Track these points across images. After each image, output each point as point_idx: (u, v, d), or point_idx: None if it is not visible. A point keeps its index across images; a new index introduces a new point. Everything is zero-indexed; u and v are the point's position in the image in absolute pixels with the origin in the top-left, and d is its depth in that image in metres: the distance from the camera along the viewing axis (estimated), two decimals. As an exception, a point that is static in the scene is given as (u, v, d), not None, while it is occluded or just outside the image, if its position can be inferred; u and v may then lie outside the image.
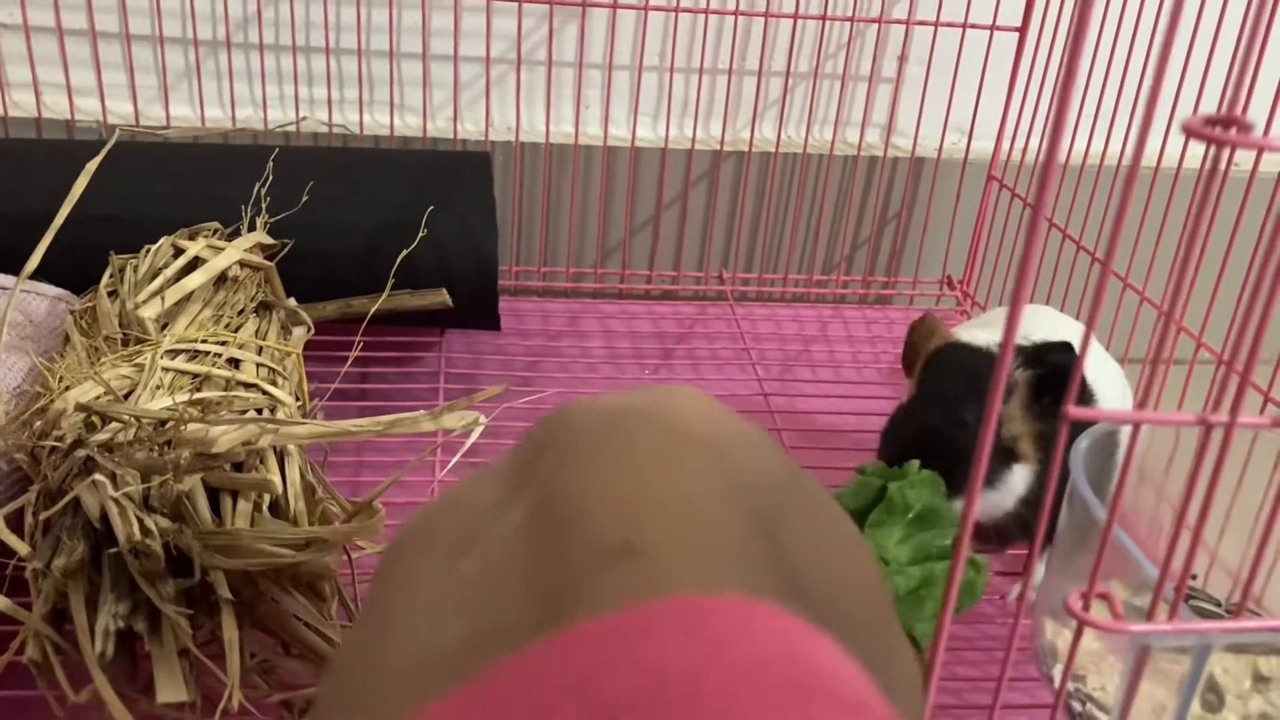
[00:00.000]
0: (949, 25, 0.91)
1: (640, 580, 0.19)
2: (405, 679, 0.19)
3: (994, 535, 0.63)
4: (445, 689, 0.18)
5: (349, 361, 0.67)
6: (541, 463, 0.22)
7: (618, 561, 0.19)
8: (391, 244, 0.75)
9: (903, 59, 0.95)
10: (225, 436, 0.48)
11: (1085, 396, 0.62)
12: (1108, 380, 0.65)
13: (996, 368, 0.28)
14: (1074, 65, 0.28)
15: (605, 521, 0.20)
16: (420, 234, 0.73)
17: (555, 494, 0.21)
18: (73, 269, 0.69)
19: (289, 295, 0.71)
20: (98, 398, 0.51)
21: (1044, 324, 0.67)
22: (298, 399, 0.62)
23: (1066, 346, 0.59)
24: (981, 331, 0.64)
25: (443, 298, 0.73)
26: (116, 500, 0.46)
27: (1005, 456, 0.58)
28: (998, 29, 0.91)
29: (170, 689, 0.46)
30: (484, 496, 0.23)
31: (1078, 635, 0.37)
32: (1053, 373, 0.58)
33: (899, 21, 0.92)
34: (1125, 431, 0.55)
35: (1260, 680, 0.49)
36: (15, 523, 0.51)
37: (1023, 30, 0.91)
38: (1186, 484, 0.34)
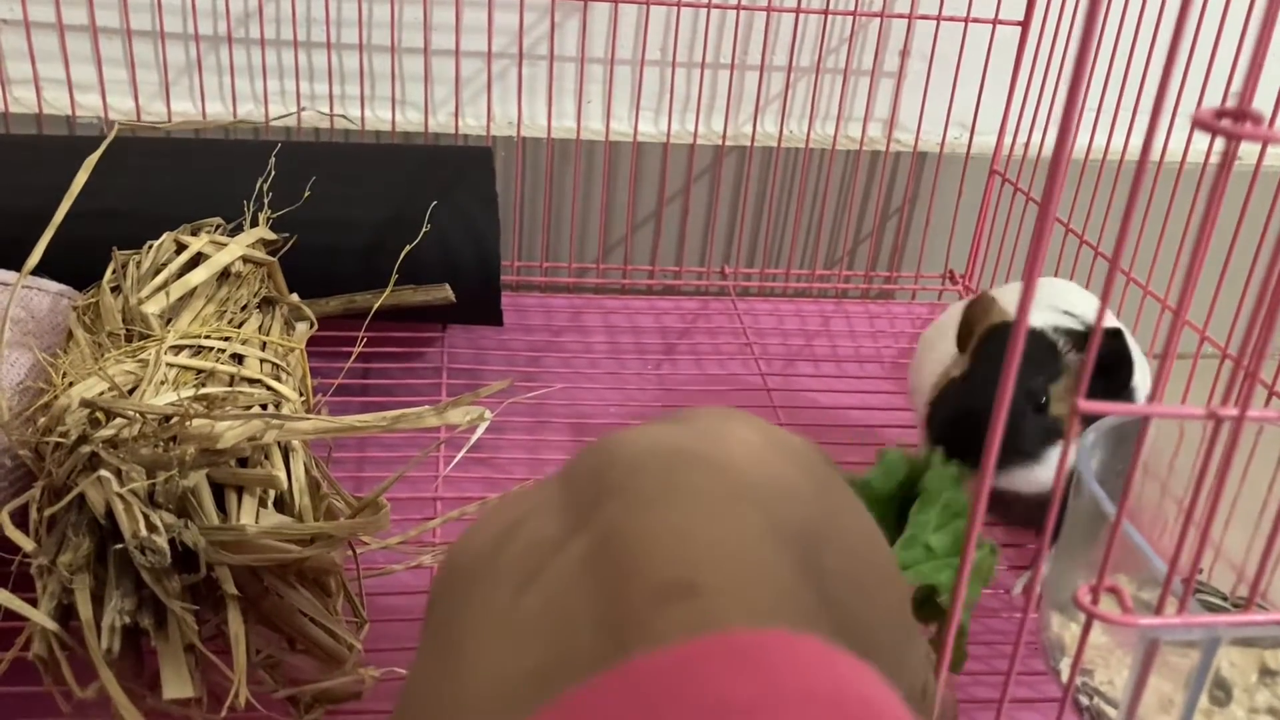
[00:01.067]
0: (951, 19, 0.91)
1: (697, 617, 0.20)
2: (476, 711, 0.21)
3: (1036, 511, 0.63)
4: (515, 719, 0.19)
5: (353, 357, 0.67)
6: (602, 506, 0.23)
7: (676, 600, 0.20)
8: (394, 239, 0.75)
9: (905, 53, 0.95)
10: (230, 432, 0.48)
11: (1129, 390, 0.62)
12: (1142, 373, 0.65)
13: (1011, 343, 0.28)
14: (1083, 58, 0.28)
15: (664, 563, 0.21)
16: (424, 229, 0.73)
17: (616, 536, 0.22)
18: (75, 264, 0.69)
19: (292, 290, 0.71)
20: (102, 393, 0.51)
21: (1076, 298, 0.67)
22: (301, 394, 0.62)
23: (1117, 333, 0.59)
24: (1033, 312, 0.63)
25: (446, 293, 0.73)
26: (122, 496, 0.46)
27: (1051, 434, 0.58)
28: (1000, 23, 0.90)
29: (176, 685, 0.46)
30: (543, 531, 0.24)
31: (1086, 628, 0.37)
32: (1104, 357, 0.58)
33: (901, 16, 0.92)
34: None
35: (1267, 674, 0.49)
36: (20, 519, 0.51)
37: (1025, 24, 0.90)
38: (1194, 478, 0.34)
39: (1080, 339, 0.60)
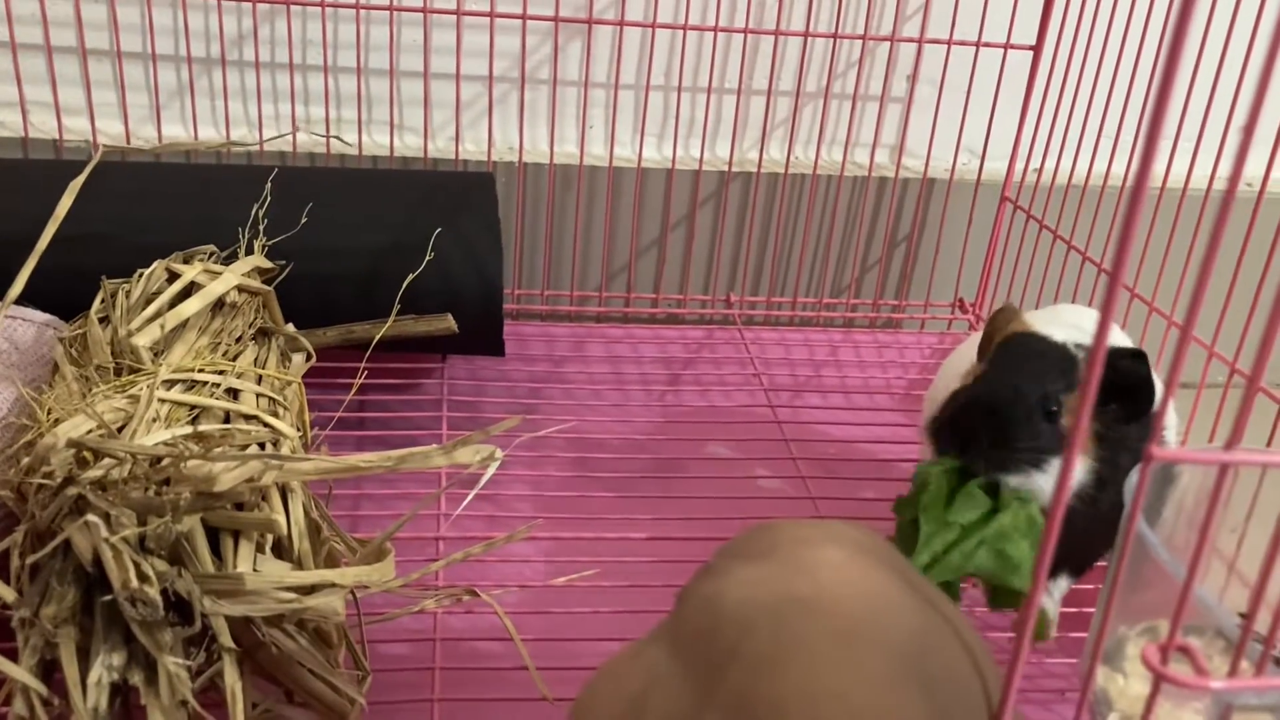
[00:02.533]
0: (962, 44, 0.89)
1: None
2: None
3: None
4: None
5: (352, 391, 0.64)
6: (725, 674, 0.25)
7: None
8: (393, 267, 0.72)
9: (914, 78, 0.93)
10: (227, 475, 0.45)
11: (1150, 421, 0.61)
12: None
13: (1088, 371, 0.26)
14: (1169, 80, 0.26)
15: None
16: (427, 257, 0.71)
17: (747, 707, 0.24)
18: (62, 294, 0.66)
19: (287, 320, 0.68)
20: (90, 432, 0.48)
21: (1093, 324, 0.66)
22: (299, 429, 0.59)
23: (1140, 355, 0.58)
24: (1056, 329, 0.63)
25: (448, 324, 0.70)
26: (111, 543, 0.43)
27: (1057, 444, 0.57)
28: (1012, 47, 0.89)
29: (168, 746, 0.42)
30: (675, 705, 0.25)
31: (1155, 691, 0.34)
32: (1122, 378, 0.57)
33: (911, 40, 0.90)
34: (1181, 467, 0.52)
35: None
36: (0, 565, 0.48)
37: (1037, 49, 0.89)
38: (1273, 538, 0.32)
39: (1119, 365, 0.58)
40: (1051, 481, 0.57)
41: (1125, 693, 0.47)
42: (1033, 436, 0.57)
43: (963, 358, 0.69)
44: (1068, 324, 0.65)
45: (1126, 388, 0.57)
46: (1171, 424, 0.67)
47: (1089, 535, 0.60)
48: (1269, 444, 0.63)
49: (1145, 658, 0.33)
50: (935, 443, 0.59)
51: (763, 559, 0.26)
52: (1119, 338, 0.64)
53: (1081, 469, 0.58)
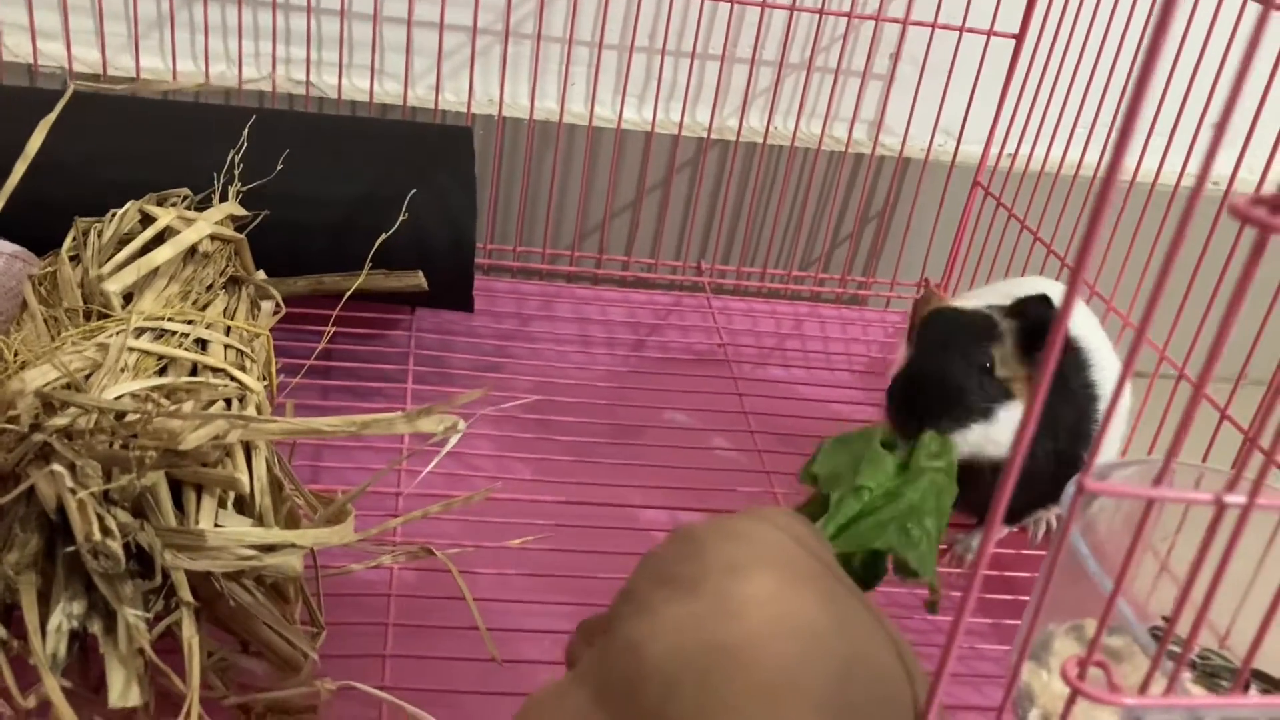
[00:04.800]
0: (946, 27, 0.90)
1: None
2: None
3: (989, 478, 0.64)
4: None
5: (322, 342, 0.65)
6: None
7: None
8: (367, 218, 0.73)
9: (896, 57, 0.94)
10: (193, 433, 0.46)
11: (1079, 360, 0.66)
12: (1108, 368, 0.68)
13: (1046, 351, 0.28)
14: (1147, 72, 0.27)
15: None
16: (401, 217, 0.71)
17: None
18: (32, 225, 0.66)
19: (258, 266, 0.69)
20: (55, 380, 0.49)
21: (1031, 289, 0.69)
22: (264, 379, 0.60)
23: (1044, 299, 0.62)
24: (973, 300, 0.67)
25: (419, 280, 0.71)
26: (75, 493, 0.44)
27: (1001, 393, 0.61)
28: (995, 34, 0.89)
29: (124, 693, 0.44)
30: None
31: (1070, 703, 0.36)
32: (1034, 323, 0.62)
33: (895, 20, 0.90)
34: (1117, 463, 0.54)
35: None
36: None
37: (1020, 37, 0.89)
38: (1194, 561, 0.33)
39: (1016, 309, 0.63)
40: (1005, 431, 0.61)
41: (1048, 688, 0.49)
42: (978, 394, 0.61)
43: None
44: (993, 295, 0.69)
45: (1035, 330, 0.62)
46: (1124, 409, 0.69)
47: (1024, 482, 0.63)
48: (1205, 456, 0.65)
49: (1064, 671, 0.35)
50: (893, 425, 0.61)
51: (690, 594, 0.26)
52: (1039, 286, 0.67)
53: (1019, 413, 0.61)
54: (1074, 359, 0.66)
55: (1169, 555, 0.61)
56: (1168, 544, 0.59)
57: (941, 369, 0.61)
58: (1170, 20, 0.26)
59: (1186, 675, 0.54)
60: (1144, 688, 0.35)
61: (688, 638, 0.25)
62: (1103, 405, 0.65)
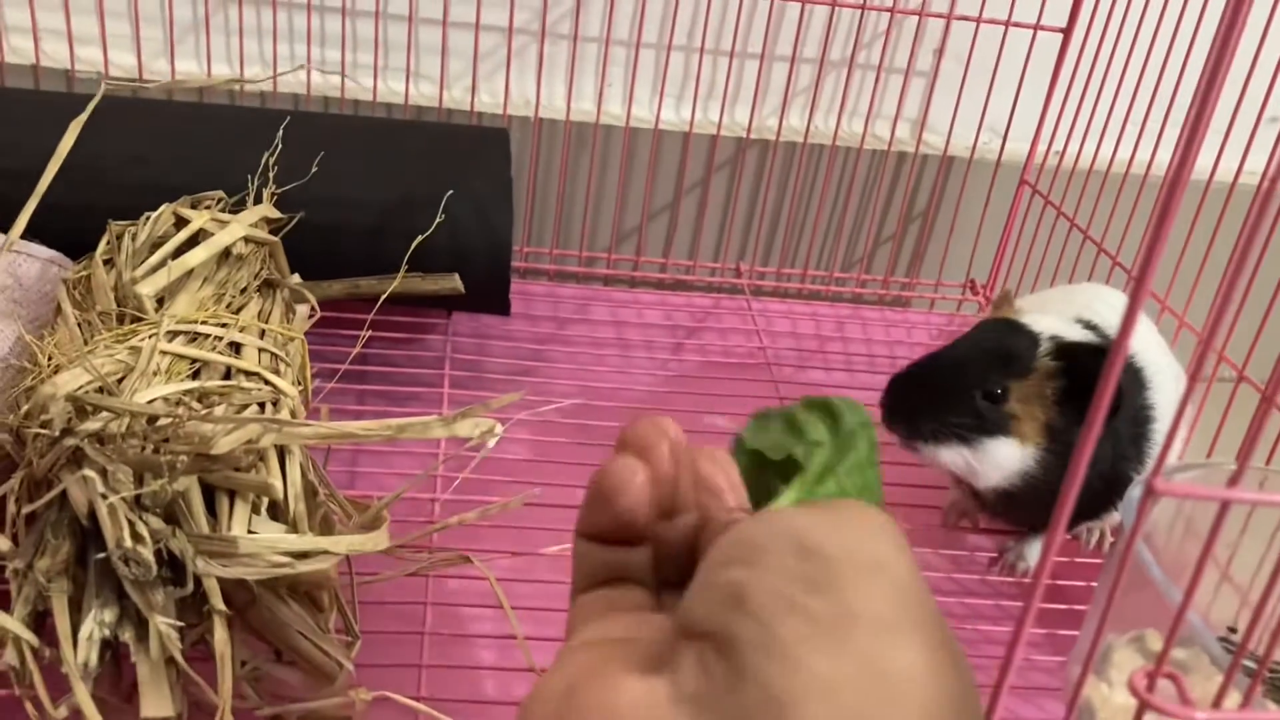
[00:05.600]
0: (991, 22, 0.88)
1: None
2: None
3: (990, 505, 0.65)
4: None
5: (357, 346, 0.64)
6: None
7: None
8: (403, 221, 0.72)
9: (940, 53, 0.92)
10: (226, 437, 0.45)
11: (1137, 380, 0.62)
12: (1172, 389, 0.65)
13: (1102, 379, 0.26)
14: (1219, 67, 0.25)
15: None
16: (438, 219, 0.70)
17: None
18: (67, 231, 0.65)
19: (292, 269, 0.68)
20: (87, 384, 0.48)
21: (1106, 311, 0.67)
22: (299, 384, 0.59)
23: (1101, 351, 0.59)
24: (1046, 316, 0.64)
25: (455, 283, 0.70)
26: (106, 498, 0.43)
27: (992, 426, 0.59)
28: (1042, 28, 0.87)
29: (156, 703, 0.43)
30: None
31: (1138, 716, 0.34)
32: (1080, 374, 0.59)
33: (939, 16, 0.88)
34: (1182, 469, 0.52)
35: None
36: (-3, 510, 0.48)
37: (1068, 31, 0.87)
38: (1273, 570, 0.32)
39: (1066, 353, 0.60)
40: (982, 462, 0.60)
41: (1109, 701, 0.47)
42: (966, 414, 0.59)
43: None
44: (1066, 310, 0.66)
45: (1087, 387, 0.58)
46: (1169, 405, 0.67)
47: (1023, 510, 0.64)
48: (1269, 459, 0.62)
49: (1132, 684, 0.33)
50: (881, 413, 0.61)
51: (834, 644, 0.23)
52: (1062, 326, 0.64)
53: (1013, 454, 0.59)
54: (1132, 379, 0.62)
55: (1230, 564, 0.58)
56: (1229, 552, 0.56)
57: (941, 378, 0.60)
58: (1243, 15, 0.25)
59: (1258, 691, 0.52)
60: (1218, 701, 0.33)
61: (844, 710, 0.22)
62: (1160, 426, 0.62)
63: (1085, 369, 0.58)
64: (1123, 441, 0.62)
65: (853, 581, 0.24)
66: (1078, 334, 0.62)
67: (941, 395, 0.59)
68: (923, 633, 0.24)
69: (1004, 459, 0.59)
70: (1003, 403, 0.59)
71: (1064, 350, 0.59)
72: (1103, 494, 0.62)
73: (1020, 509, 0.64)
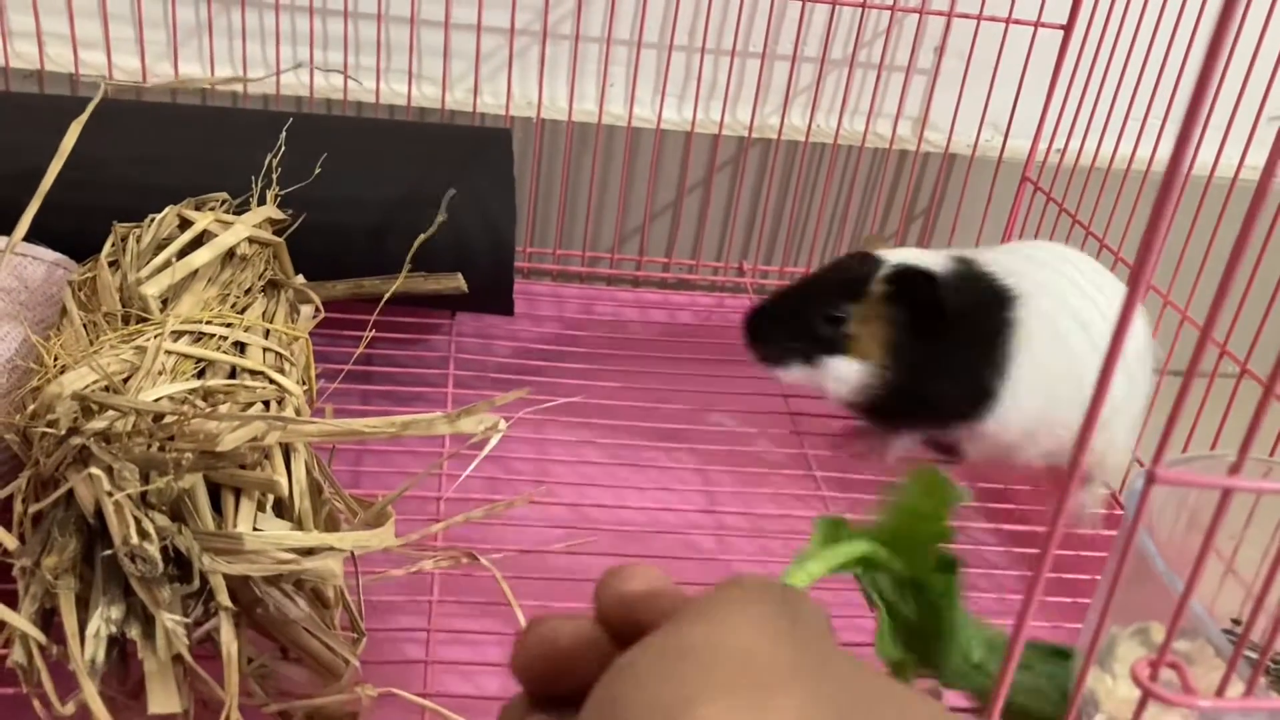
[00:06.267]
0: (992, 19, 0.88)
1: None
2: None
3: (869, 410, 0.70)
4: None
5: (360, 346, 0.64)
6: None
7: None
8: (406, 221, 0.72)
9: (941, 51, 0.92)
10: (231, 435, 0.45)
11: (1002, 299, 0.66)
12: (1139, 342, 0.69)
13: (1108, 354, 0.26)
14: (1210, 67, 0.25)
15: None
16: (439, 219, 0.70)
17: None
18: (72, 233, 0.66)
19: (296, 270, 0.68)
20: (93, 384, 0.48)
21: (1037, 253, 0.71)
22: (304, 384, 0.59)
23: (922, 276, 0.64)
24: (909, 251, 0.69)
25: (458, 283, 0.70)
26: (113, 498, 0.43)
27: (830, 345, 0.65)
28: (1043, 25, 0.87)
29: (163, 699, 0.43)
30: None
31: (1142, 705, 0.34)
32: (905, 296, 0.64)
33: (940, 13, 0.88)
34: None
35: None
36: (4, 508, 0.48)
37: (1068, 28, 0.87)
38: (1273, 558, 0.32)
39: (895, 278, 0.65)
40: (826, 380, 0.66)
41: (1113, 694, 0.47)
42: (807, 337, 0.65)
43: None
44: (996, 255, 0.70)
45: (918, 304, 0.64)
46: (1138, 392, 0.68)
47: (877, 417, 0.71)
48: (1273, 451, 0.63)
49: (1135, 673, 0.34)
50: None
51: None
52: (917, 257, 0.68)
53: (857, 370, 0.65)
54: (991, 297, 0.66)
55: (1235, 556, 0.58)
56: (1233, 544, 0.56)
57: (787, 305, 0.67)
58: (1234, 11, 0.25)
59: (1259, 681, 0.52)
60: (1221, 689, 0.34)
61: None
62: (1018, 348, 0.65)
63: (908, 290, 0.64)
64: (978, 352, 0.66)
65: (656, 676, 0.22)
66: (937, 265, 0.66)
67: (786, 320, 0.66)
68: (731, 697, 0.22)
69: (844, 374, 0.66)
70: (841, 325, 0.65)
71: (893, 276, 0.65)
72: (965, 398, 0.66)
73: (874, 417, 0.71)
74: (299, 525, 0.49)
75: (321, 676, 0.48)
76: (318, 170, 0.71)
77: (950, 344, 0.65)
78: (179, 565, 0.45)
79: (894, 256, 0.67)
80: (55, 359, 0.53)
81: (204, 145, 0.74)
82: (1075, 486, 0.29)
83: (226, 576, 0.45)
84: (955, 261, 0.68)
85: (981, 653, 0.38)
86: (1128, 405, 0.68)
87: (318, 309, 0.66)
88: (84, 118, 0.61)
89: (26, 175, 0.63)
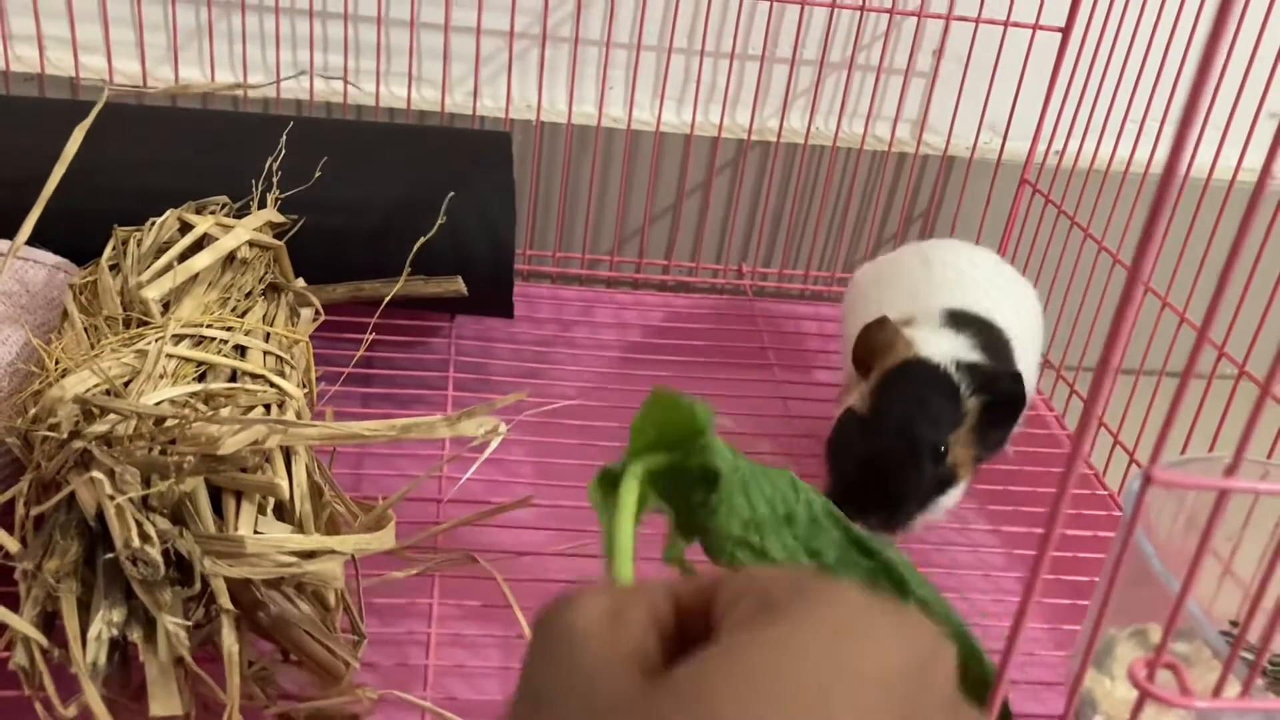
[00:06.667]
0: (990, 22, 0.88)
1: None
2: None
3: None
4: None
5: (361, 349, 0.64)
6: None
7: None
8: (405, 224, 0.72)
9: (940, 54, 0.92)
10: (232, 437, 0.45)
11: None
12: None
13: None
14: (1206, 69, 0.25)
15: None
16: (439, 220, 0.70)
17: None
18: (73, 237, 0.66)
19: (297, 273, 0.68)
20: (94, 388, 0.49)
21: (970, 292, 0.70)
22: (304, 387, 0.60)
23: (1017, 377, 0.61)
24: (936, 339, 0.64)
25: (458, 286, 0.70)
26: (114, 501, 0.44)
27: (944, 484, 0.60)
28: (1041, 28, 0.87)
29: (165, 702, 0.43)
30: None
31: (1139, 705, 0.34)
32: (1003, 401, 0.61)
33: (938, 16, 0.89)
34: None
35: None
36: (6, 510, 0.48)
37: (1066, 31, 0.87)
38: (1267, 557, 0.32)
39: (983, 379, 0.61)
40: (933, 515, 0.61)
41: (1111, 695, 0.48)
42: (925, 491, 0.59)
43: (884, 281, 0.73)
44: (950, 328, 0.66)
45: (1006, 405, 0.61)
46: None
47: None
48: (1270, 453, 0.63)
49: (1132, 672, 0.34)
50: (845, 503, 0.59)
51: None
52: (948, 342, 0.65)
53: (957, 495, 0.61)
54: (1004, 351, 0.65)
55: (1233, 558, 0.59)
56: (1231, 545, 0.57)
57: (896, 466, 0.58)
58: (1230, 12, 0.25)
59: (1257, 682, 0.52)
60: (1217, 690, 0.34)
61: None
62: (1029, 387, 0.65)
63: (1009, 395, 0.60)
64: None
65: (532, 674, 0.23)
66: (965, 348, 0.64)
67: (902, 489, 0.59)
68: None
69: (952, 502, 0.61)
70: (945, 458, 0.59)
71: (984, 382, 0.61)
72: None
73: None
74: (300, 528, 0.49)
75: (322, 679, 0.49)
76: (318, 174, 0.71)
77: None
78: (180, 568, 0.45)
79: (941, 353, 0.62)
80: (56, 362, 0.53)
81: (204, 149, 0.75)
82: (1071, 486, 0.29)
83: (228, 579, 0.45)
84: (975, 331, 0.66)
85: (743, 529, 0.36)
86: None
87: (318, 312, 0.67)
88: (87, 123, 0.62)
89: (27, 179, 0.64)
